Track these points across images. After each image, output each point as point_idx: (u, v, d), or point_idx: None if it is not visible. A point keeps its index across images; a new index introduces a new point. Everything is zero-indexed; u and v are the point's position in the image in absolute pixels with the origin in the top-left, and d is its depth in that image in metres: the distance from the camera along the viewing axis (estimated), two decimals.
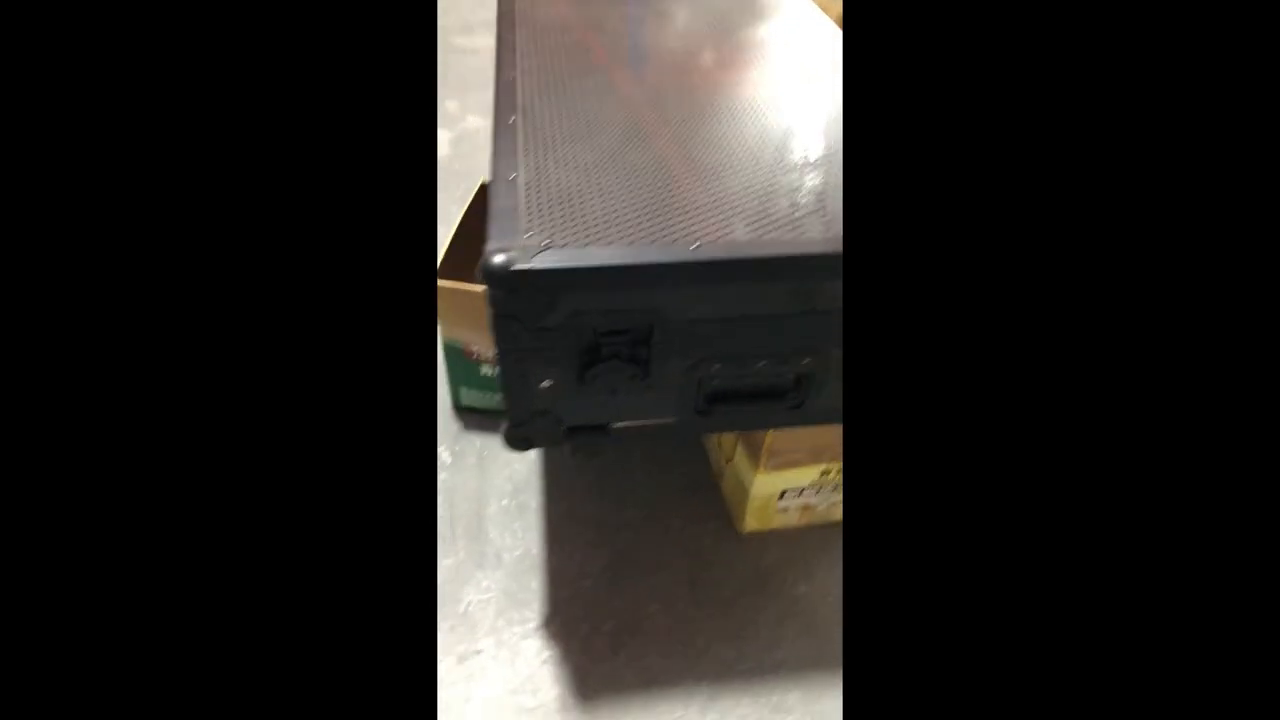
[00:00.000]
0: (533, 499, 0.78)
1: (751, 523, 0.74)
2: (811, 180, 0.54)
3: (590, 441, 0.55)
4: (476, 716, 0.61)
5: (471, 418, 0.85)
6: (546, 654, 0.65)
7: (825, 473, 0.69)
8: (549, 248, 0.45)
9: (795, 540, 0.75)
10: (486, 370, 0.80)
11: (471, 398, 0.84)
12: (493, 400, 0.83)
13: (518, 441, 0.55)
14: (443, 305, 0.74)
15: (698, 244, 0.46)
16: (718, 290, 0.48)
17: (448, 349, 0.79)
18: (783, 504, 0.72)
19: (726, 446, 0.74)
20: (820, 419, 0.58)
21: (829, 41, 0.77)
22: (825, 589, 0.71)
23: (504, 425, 0.55)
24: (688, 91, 0.65)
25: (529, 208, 0.49)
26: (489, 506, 0.77)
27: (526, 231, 0.47)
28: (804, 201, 0.51)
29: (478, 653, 0.65)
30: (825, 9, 0.85)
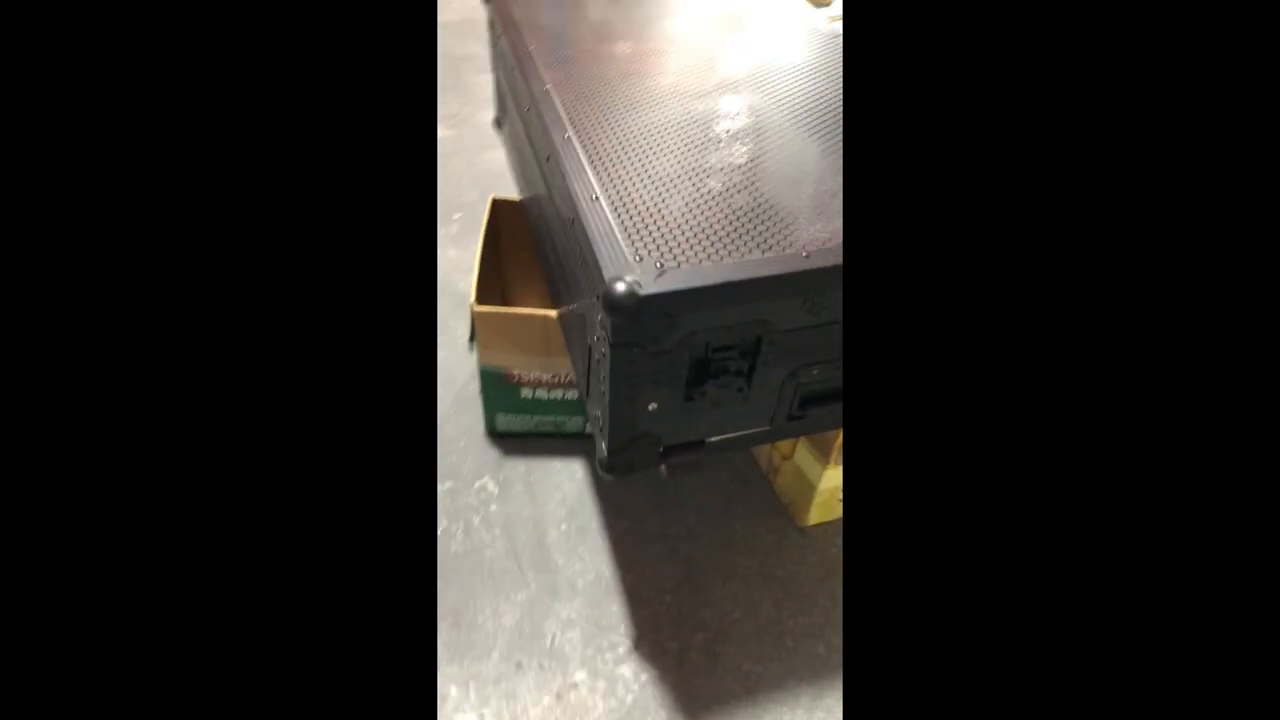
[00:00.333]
0: (591, 520, 0.76)
1: (815, 516, 0.75)
2: None
3: (689, 459, 0.54)
4: None
5: (509, 443, 0.82)
6: (644, 676, 0.64)
7: None
8: (665, 271, 0.44)
9: None
10: (526, 393, 0.78)
11: (509, 422, 0.81)
12: (530, 423, 0.81)
13: (619, 468, 0.53)
14: (483, 332, 0.71)
15: (808, 253, 0.46)
16: (825, 297, 0.48)
17: (485, 376, 0.76)
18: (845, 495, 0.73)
19: (784, 444, 0.74)
20: None
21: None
22: None
23: (602, 455, 0.53)
24: (731, 95, 0.64)
25: (625, 230, 0.47)
26: (548, 534, 0.75)
27: (635, 256, 0.45)
28: None
29: (574, 686, 0.63)
30: None
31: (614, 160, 0.54)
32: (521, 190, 0.84)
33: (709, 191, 0.51)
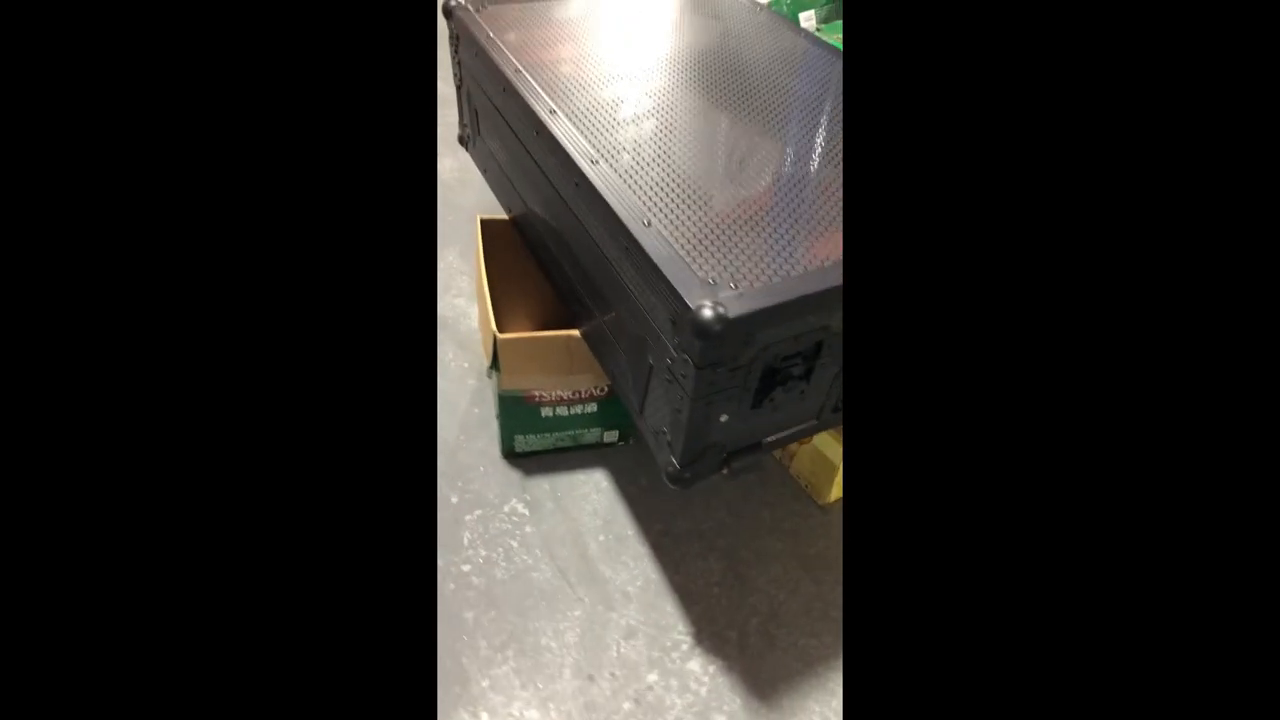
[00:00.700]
0: (627, 528, 0.78)
1: (837, 493, 0.80)
2: None
3: (752, 461, 0.57)
4: None
5: (528, 463, 0.83)
6: (711, 667, 0.67)
7: None
8: (741, 293, 0.46)
9: None
10: (547, 412, 0.78)
11: (527, 443, 0.81)
12: (550, 440, 0.82)
13: (688, 480, 0.56)
14: (508, 358, 0.71)
15: None
16: None
17: (504, 400, 0.76)
18: None
19: None
20: None
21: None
22: None
23: (671, 468, 0.55)
24: (754, 103, 0.67)
25: (687, 253, 0.49)
26: (589, 547, 0.76)
27: (708, 278, 0.47)
28: None
29: (649, 689, 0.66)
30: None
31: (656, 183, 0.56)
32: (511, 208, 0.84)
33: (752, 204, 0.54)
